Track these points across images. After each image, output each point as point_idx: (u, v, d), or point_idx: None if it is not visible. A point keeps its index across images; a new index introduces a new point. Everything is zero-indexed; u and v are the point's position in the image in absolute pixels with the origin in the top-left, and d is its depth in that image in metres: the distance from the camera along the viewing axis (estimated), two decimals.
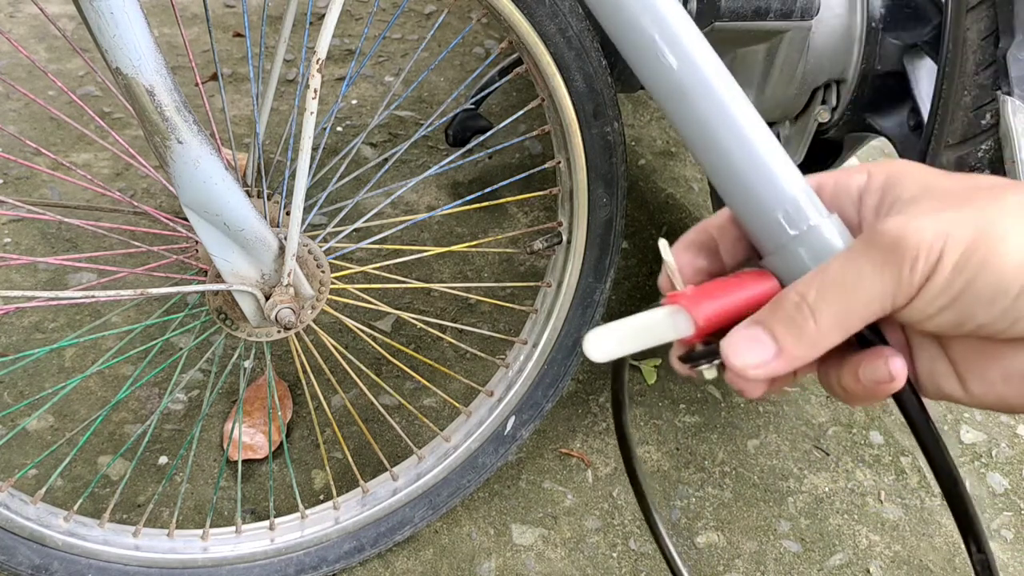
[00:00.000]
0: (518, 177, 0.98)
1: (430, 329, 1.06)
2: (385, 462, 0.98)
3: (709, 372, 0.37)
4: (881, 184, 0.36)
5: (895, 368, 0.36)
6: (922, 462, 1.18)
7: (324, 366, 0.94)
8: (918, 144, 0.88)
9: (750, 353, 0.35)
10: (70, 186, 1.43)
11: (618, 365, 0.47)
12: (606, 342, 0.37)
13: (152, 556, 0.89)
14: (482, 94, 1.45)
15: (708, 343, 0.37)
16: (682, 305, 0.36)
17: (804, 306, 0.34)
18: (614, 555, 1.04)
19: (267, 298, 0.76)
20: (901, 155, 0.98)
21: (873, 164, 0.38)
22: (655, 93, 0.40)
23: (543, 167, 0.92)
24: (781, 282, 0.37)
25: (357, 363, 0.98)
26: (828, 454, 1.18)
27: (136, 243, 0.82)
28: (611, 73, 0.84)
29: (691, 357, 0.38)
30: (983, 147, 0.77)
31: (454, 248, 0.99)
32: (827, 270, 0.34)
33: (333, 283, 0.82)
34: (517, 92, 1.72)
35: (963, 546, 1.09)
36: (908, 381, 0.37)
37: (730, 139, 0.38)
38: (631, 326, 0.37)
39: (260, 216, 0.72)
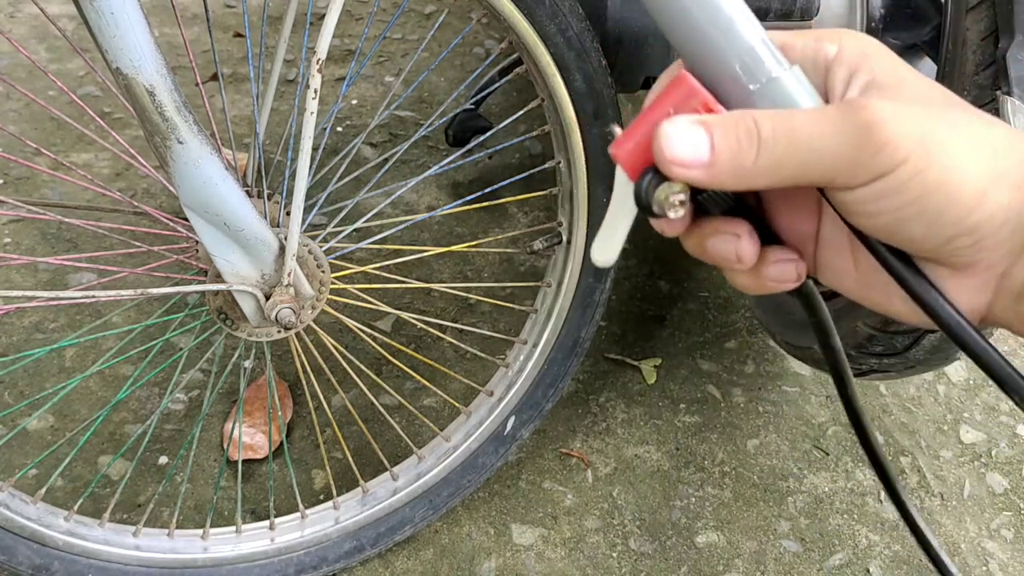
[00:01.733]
0: (518, 177, 0.98)
1: (430, 329, 1.06)
2: (385, 462, 0.98)
3: (674, 194, 0.34)
4: (854, 58, 0.35)
5: (801, 271, 0.37)
6: (922, 462, 1.18)
7: (324, 366, 0.94)
8: None
9: (684, 146, 0.33)
10: (70, 186, 1.43)
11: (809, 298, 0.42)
12: (605, 247, 0.37)
13: (152, 556, 0.89)
14: (482, 94, 1.45)
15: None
16: (617, 158, 0.35)
17: (755, 135, 0.33)
18: (614, 555, 1.04)
19: (267, 298, 0.76)
20: None
21: (841, 33, 0.36)
22: None
23: (543, 167, 0.92)
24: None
25: (357, 363, 0.98)
26: (828, 454, 1.18)
27: (136, 243, 0.82)
28: (611, 73, 0.84)
29: (642, 179, 0.35)
30: None
31: (454, 248, 0.99)
32: (793, 116, 0.33)
33: (333, 283, 0.82)
34: (517, 92, 1.72)
35: (964, 546, 1.09)
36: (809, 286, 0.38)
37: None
38: (608, 217, 0.37)
39: (260, 216, 0.72)
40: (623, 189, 0.36)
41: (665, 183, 0.34)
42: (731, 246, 0.36)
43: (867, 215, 0.33)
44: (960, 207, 0.31)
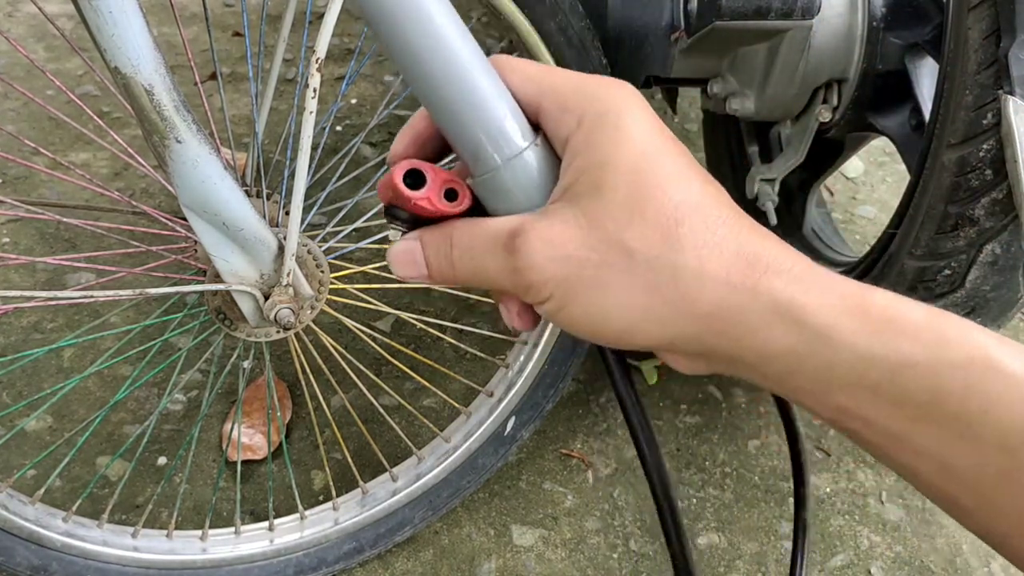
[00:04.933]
0: None
1: (430, 329, 1.06)
2: (385, 463, 0.98)
3: (393, 235, 0.43)
4: (579, 144, 0.38)
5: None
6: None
7: (323, 366, 0.94)
8: (920, 144, 0.88)
9: (407, 269, 0.42)
10: (69, 186, 1.43)
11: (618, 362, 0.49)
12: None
13: (151, 557, 0.89)
14: None
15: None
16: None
17: (450, 256, 0.40)
18: (614, 556, 1.04)
19: (266, 298, 0.76)
20: (903, 155, 0.98)
21: (590, 99, 0.38)
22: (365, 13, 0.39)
23: None
24: (481, 201, 0.40)
25: (357, 363, 0.98)
26: (829, 455, 1.18)
27: (135, 243, 0.82)
28: (612, 72, 0.83)
29: (388, 212, 0.42)
30: (984, 147, 0.77)
31: None
32: (475, 241, 0.39)
33: (332, 283, 0.82)
34: None
35: (966, 547, 1.09)
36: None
37: (440, 69, 0.38)
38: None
39: (259, 216, 0.72)
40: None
41: (390, 225, 0.42)
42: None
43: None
44: (609, 339, 0.37)
